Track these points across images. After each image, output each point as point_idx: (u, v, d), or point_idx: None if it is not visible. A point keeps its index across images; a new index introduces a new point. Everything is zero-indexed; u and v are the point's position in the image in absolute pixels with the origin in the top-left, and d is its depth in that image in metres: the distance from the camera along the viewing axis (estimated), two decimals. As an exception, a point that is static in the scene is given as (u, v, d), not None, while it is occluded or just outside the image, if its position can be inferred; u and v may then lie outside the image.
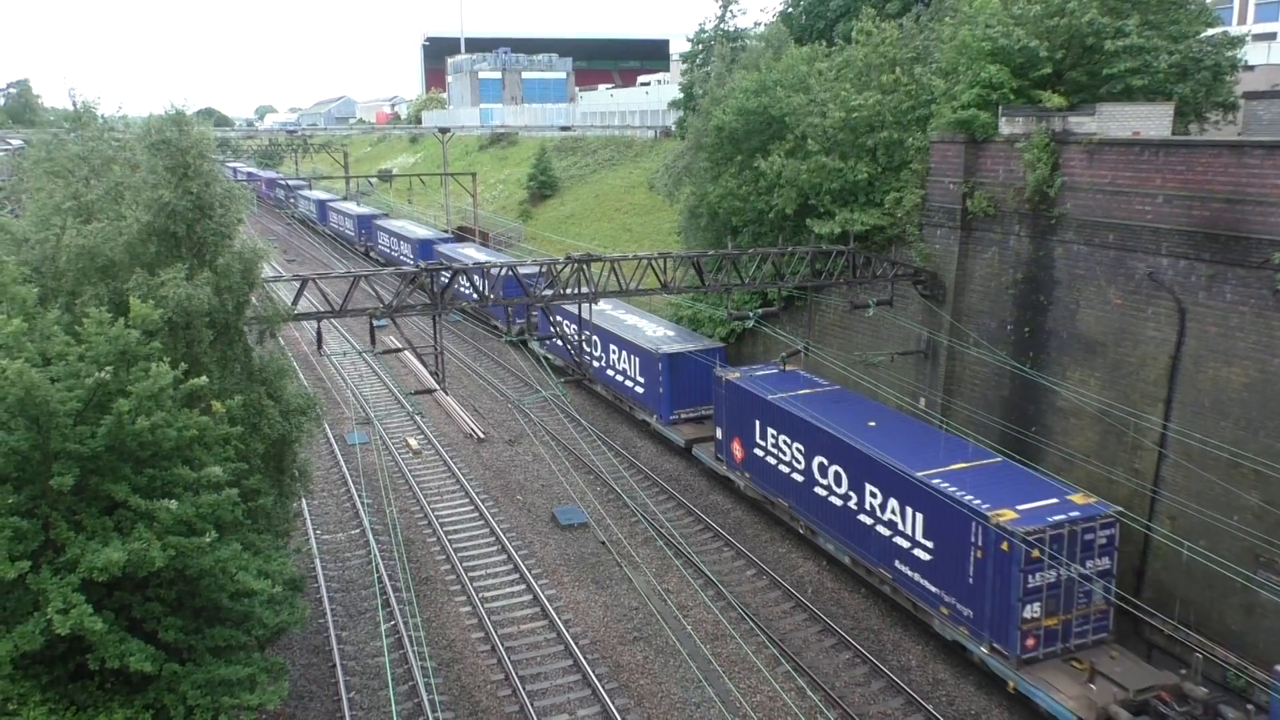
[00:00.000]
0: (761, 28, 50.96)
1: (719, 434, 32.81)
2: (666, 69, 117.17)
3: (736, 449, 31.55)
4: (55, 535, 14.35)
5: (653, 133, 74.07)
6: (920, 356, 30.84)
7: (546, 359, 42.22)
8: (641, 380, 38.02)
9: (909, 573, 23.85)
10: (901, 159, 31.37)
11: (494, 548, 29.92)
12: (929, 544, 22.95)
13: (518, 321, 44.05)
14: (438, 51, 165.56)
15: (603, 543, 30.13)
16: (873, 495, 24.77)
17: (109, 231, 17.69)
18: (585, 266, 27.95)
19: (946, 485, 22.36)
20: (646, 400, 37.98)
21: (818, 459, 27.01)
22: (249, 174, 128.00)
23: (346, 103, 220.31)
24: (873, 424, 26.65)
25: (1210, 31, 28.41)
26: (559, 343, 37.20)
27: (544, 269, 28.54)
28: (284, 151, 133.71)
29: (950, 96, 29.06)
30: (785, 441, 28.68)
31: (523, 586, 27.48)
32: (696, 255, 30.33)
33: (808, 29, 48.09)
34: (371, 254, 77.86)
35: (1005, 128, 27.58)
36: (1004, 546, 20.45)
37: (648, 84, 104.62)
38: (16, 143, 58.53)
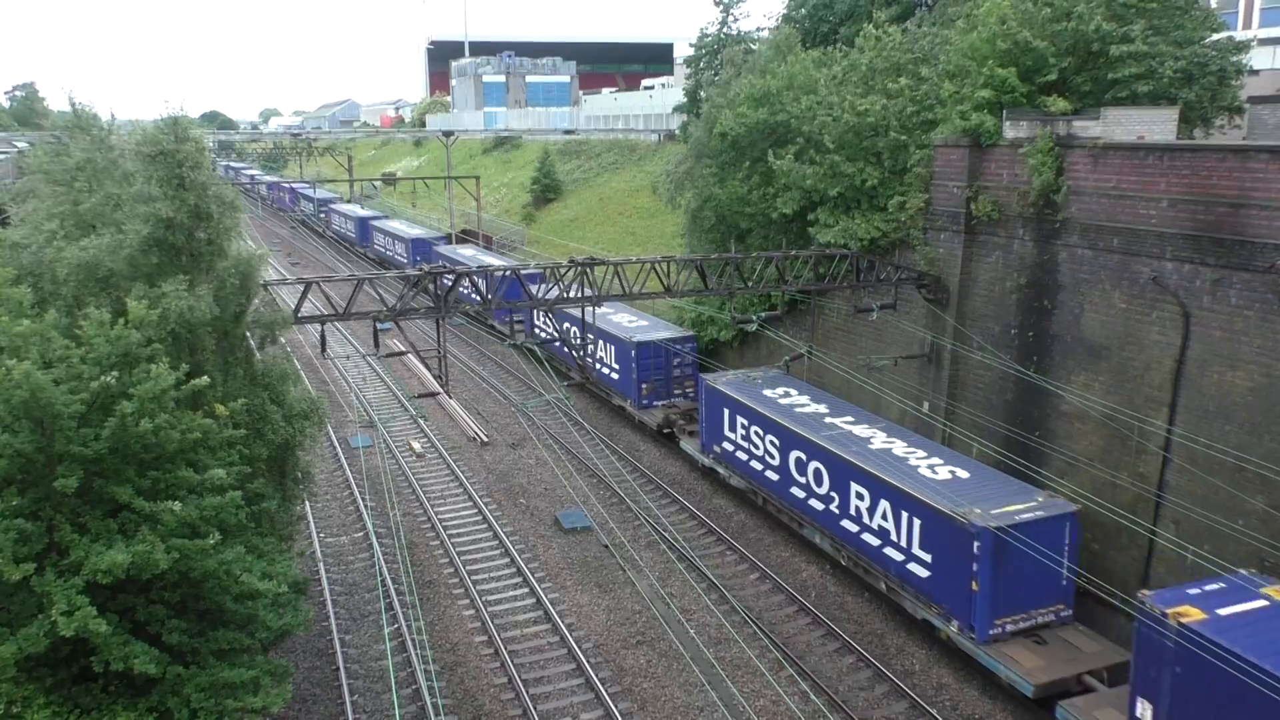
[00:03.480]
0: (765, 32, 51.02)
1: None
2: (670, 73, 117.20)
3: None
4: (59, 538, 14.37)
5: (656, 136, 74.11)
6: (924, 360, 30.80)
7: (549, 362, 42.33)
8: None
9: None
10: (905, 163, 31.34)
11: (497, 551, 29.91)
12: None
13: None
14: (442, 55, 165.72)
15: (606, 546, 30.11)
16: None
17: (110, 244, 17.74)
18: (588, 270, 27.96)
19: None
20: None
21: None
22: (272, 184, 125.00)
23: (351, 106, 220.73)
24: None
25: (1215, 36, 28.37)
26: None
27: (547, 272, 28.54)
28: (288, 154, 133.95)
29: (958, 99, 29.03)
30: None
31: (526, 590, 27.47)
32: (700, 259, 30.32)
33: (811, 33, 48.11)
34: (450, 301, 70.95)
35: (1009, 132, 27.56)
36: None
37: (651, 88, 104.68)
38: (22, 145, 58.66)
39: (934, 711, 21.84)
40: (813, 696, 22.14)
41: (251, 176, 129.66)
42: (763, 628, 25.08)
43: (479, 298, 27.94)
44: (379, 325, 26.49)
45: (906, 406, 30.76)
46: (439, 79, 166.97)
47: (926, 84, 32.04)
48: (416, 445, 38.94)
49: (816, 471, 27.36)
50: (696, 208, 39.19)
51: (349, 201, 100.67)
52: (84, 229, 18.81)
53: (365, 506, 32.72)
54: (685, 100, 59.04)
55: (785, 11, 51.18)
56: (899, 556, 24.45)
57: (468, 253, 61.46)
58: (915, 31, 36.21)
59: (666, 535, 30.05)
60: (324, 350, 26.79)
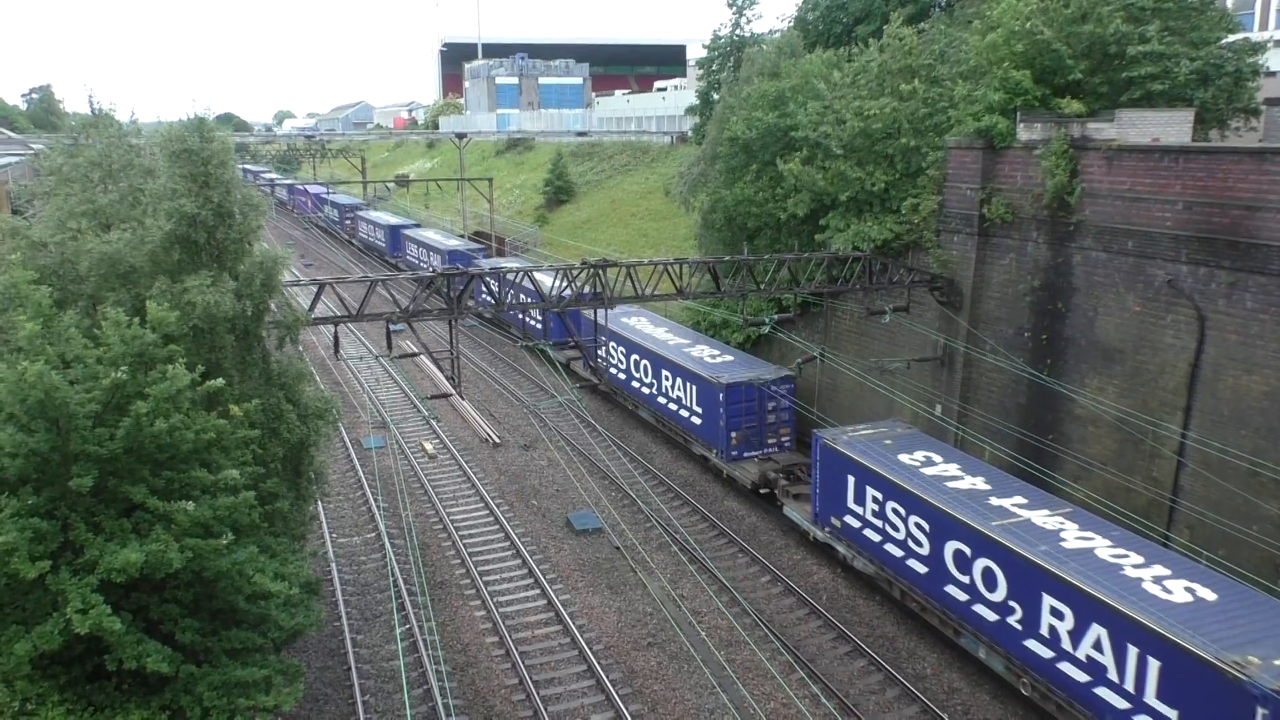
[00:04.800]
0: (777, 35, 50.96)
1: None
2: (683, 74, 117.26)
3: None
4: (74, 536, 14.46)
5: (669, 138, 74.14)
6: (937, 363, 30.72)
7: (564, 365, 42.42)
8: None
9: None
10: (918, 165, 31.27)
11: (509, 552, 29.95)
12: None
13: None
14: (455, 57, 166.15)
15: (617, 548, 30.12)
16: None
17: (132, 240, 17.88)
18: (601, 272, 27.98)
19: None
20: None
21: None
22: (291, 186, 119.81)
23: (364, 108, 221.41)
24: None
25: (1232, 37, 28.22)
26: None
27: (560, 274, 28.58)
28: (302, 156, 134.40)
29: (971, 101, 28.95)
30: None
31: (537, 591, 27.50)
32: (713, 261, 30.31)
33: (824, 34, 48.04)
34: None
35: (1023, 134, 27.47)
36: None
37: (664, 90, 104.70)
38: (38, 147, 59.09)
39: (945, 716, 21.75)
40: (824, 700, 22.09)
41: (271, 181, 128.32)
42: (774, 630, 25.03)
43: (492, 300, 27.97)
44: (392, 326, 26.56)
45: (919, 409, 30.68)
46: (452, 81, 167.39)
47: (939, 86, 31.97)
48: (429, 446, 39.03)
49: (987, 572, 21.54)
50: (709, 210, 39.21)
51: (375, 206, 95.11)
52: (103, 226, 18.94)
53: (378, 507, 32.80)
54: (698, 102, 59.04)
55: (798, 13, 51.11)
56: (1123, 705, 18.31)
57: (543, 279, 56.74)
58: (930, 32, 36.13)
59: (677, 537, 30.03)
60: (337, 351, 26.89)
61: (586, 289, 28.14)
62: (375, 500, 33.38)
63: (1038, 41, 27.28)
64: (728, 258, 31.46)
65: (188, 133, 18.77)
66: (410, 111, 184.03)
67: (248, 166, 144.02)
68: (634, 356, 39.09)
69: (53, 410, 14.24)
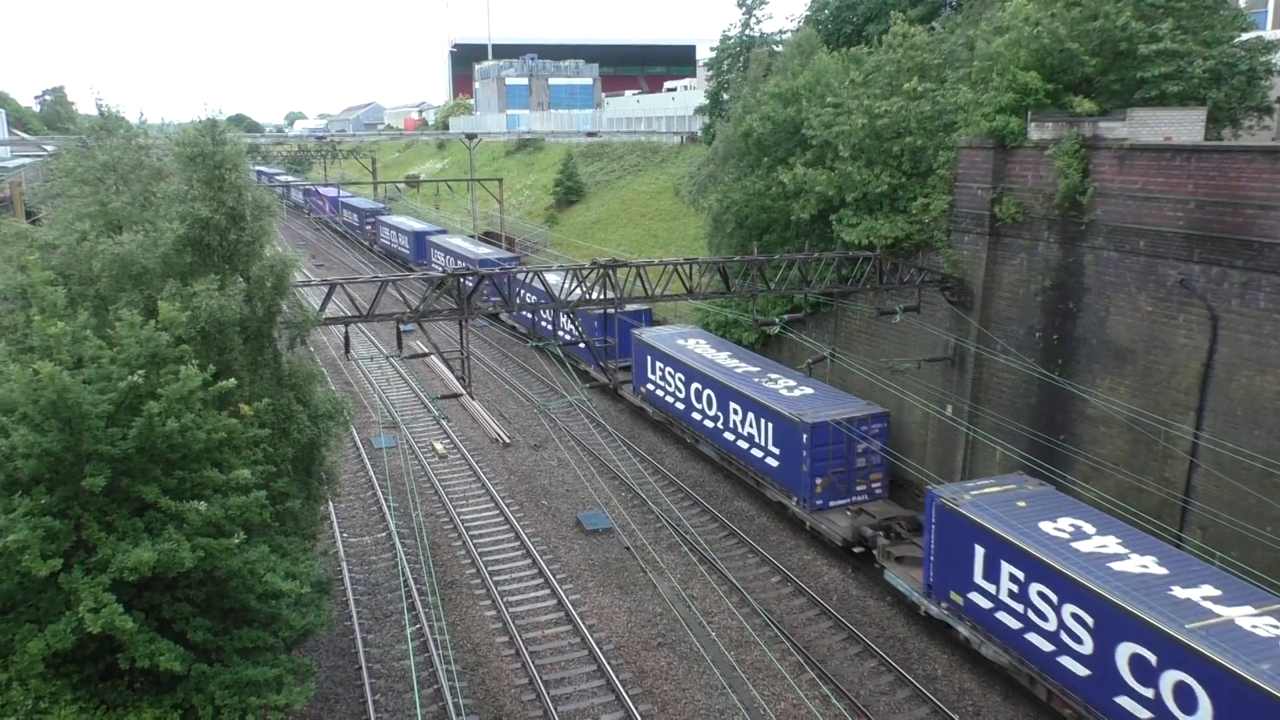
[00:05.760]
0: (787, 34, 50.94)
1: None
2: (693, 75, 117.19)
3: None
4: (87, 535, 14.54)
5: (679, 138, 74.16)
6: (947, 363, 30.63)
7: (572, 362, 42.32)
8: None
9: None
10: (928, 165, 31.21)
11: (519, 552, 29.99)
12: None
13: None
14: (465, 58, 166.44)
15: (627, 548, 30.12)
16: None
17: (145, 242, 17.97)
18: (611, 272, 28.00)
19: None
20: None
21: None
22: (307, 190, 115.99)
23: (375, 109, 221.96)
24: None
25: (1245, 36, 28.08)
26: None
27: (570, 274, 28.61)
28: (313, 157, 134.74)
29: (979, 105, 28.88)
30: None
31: (547, 591, 27.53)
32: (722, 261, 30.28)
33: (835, 34, 48.00)
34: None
35: (1035, 133, 27.37)
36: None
37: (674, 90, 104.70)
38: (51, 148, 59.43)
39: (956, 717, 21.70)
40: (834, 700, 22.05)
41: (286, 184, 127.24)
42: (784, 631, 25.00)
43: (503, 299, 28.00)
44: (402, 327, 26.62)
45: (930, 409, 30.60)
46: (462, 82, 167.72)
47: (946, 86, 31.89)
48: (439, 446, 39.11)
49: (1182, 689, 17.05)
50: (719, 210, 39.20)
51: (392, 209, 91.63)
52: (113, 228, 19.04)
53: (388, 507, 32.89)
54: (707, 102, 59.06)
55: (808, 13, 51.08)
56: None
57: (553, 279, 53.57)
58: (940, 32, 36.06)
59: (687, 537, 30.02)
60: (348, 352, 26.95)
61: (596, 290, 28.18)
62: (386, 500, 33.47)
63: (1047, 41, 27.16)
64: (738, 258, 31.42)
65: (200, 135, 18.86)
66: (421, 112, 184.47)
67: (261, 169, 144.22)
68: (694, 385, 35.00)
69: (65, 410, 14.32)
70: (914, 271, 30.80)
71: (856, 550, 27.65)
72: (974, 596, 22.26)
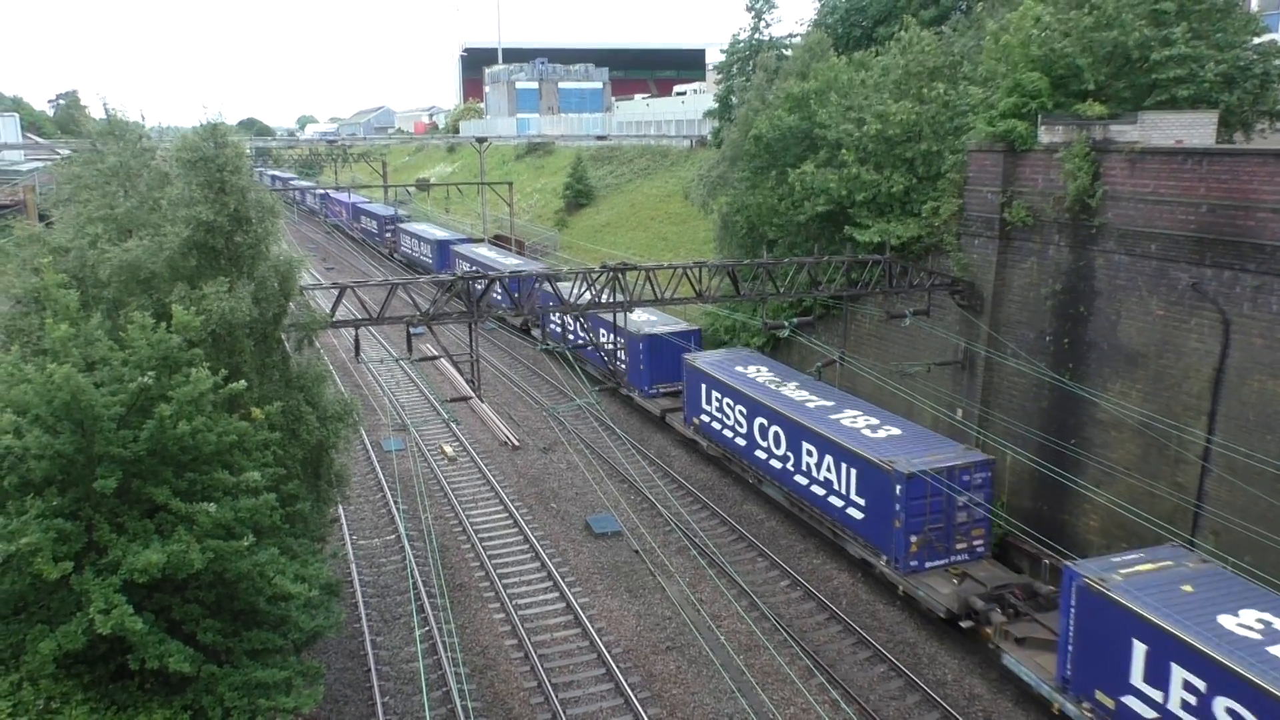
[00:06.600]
0: (797, 39, 50.94)
1: None
2: (702, 79, 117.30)
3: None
4: (98, 537, 14.61)
5: (688, 142, 74.18)
6: (957, 367, 30.55)
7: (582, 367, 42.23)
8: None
9: None
10: (938, 169, 31.15)
11: (528, 555, 29.99)
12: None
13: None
14: (475, 62, 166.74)
15: (636, 551, 30.10)
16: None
17: (151, 247, 18.06)
18: (621, 275, 28.01)
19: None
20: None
21: None
22: (323, 194, 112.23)
23: (385, 113, 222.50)
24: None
25: (1258, 40, 27.94)
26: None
27: (579, 278, 28.62)
28: (324, 161, 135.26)
29: (987, 105, 28.82)
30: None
31: (556, 594, 27.52)
32: (732, 264, 30.26)
33: (844, 37, 47.98)
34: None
35: (1045, 136, 27.30)
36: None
37: (683, 93, 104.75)
38: (65, 152, 59.78)
39: (966, 722, 21.59)
40: (843, 705, 21.98)
41: (302, 191, 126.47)
42: (793, 635, 24.94)
43: (512, 303, 28.01)
44: (412, 330, 26.67)
45: (940, 413, 30.51)
46: (472, 86, 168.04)
47: (958, 88, 31.83)
48: (448, 449, 39.16)
49: None
50: (728, 213, 39.17)
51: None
52: (121, 233, 19.14)
53: (397, 509, 32.93)
54: (717, 106, 59.09)
55: (816, 17, 51.06)
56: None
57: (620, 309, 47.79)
58: (950, 35, 36.01)
59: (697, 541, 29.99)
60: (358, 354, 27.03)
61: (605, 293, 28.18)
62: (395, 502, 33.52)
63: (1055, 50, 27.10)
64: (747, 261, 31.39)
65: (202, 140, 18.95)
66: (431, 116, 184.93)
67: (275, 173, 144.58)
68: (759, 419, 31.50)
69: (78, 412, 14.39)
70: (924, 275, 30.74)
71: (964, 625, 23.73)
72: (1131, 702, 18.33)
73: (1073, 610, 19.61)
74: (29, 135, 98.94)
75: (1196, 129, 25.36)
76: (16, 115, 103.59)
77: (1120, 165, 25.00)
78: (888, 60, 35.05)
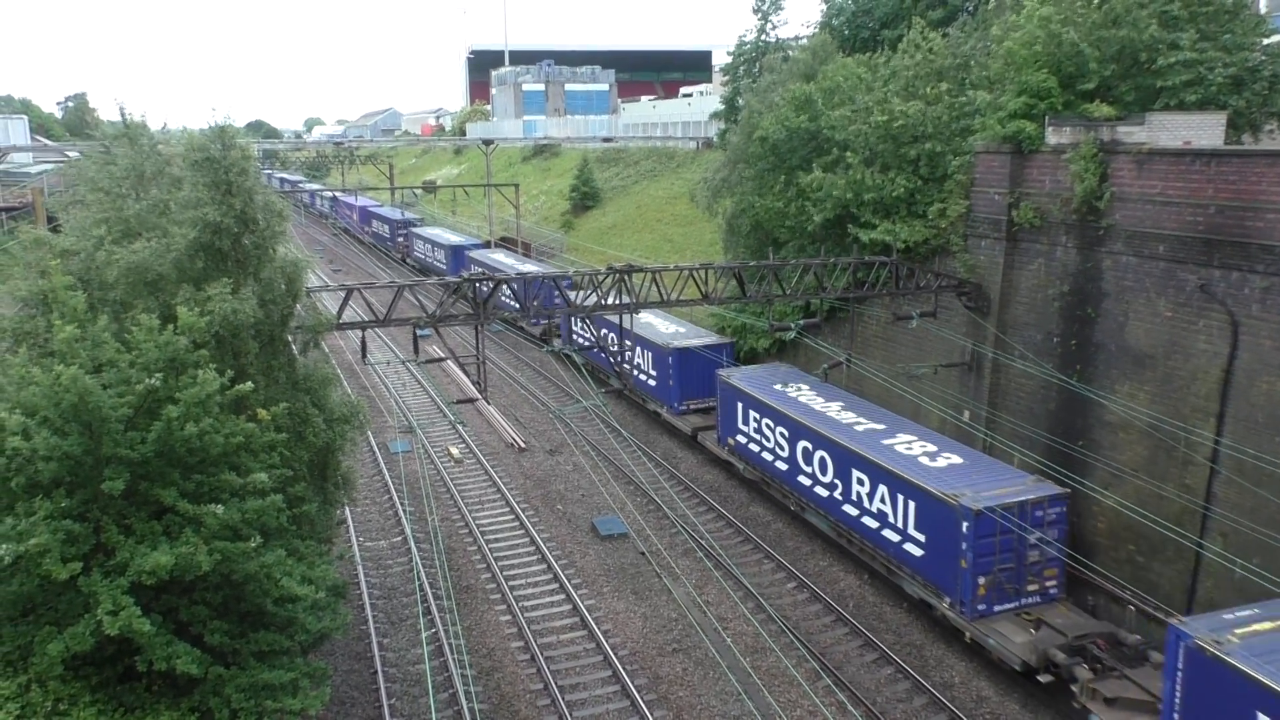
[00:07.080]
0: (803, 40, 50.91)
1: None
2: (709, 80, 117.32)
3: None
4: (106, 539, 14.64)
5: (695, 144, 74.21)
6: (964, 369, 30.48)
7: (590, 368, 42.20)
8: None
9: None
10: (944, 170, 31.10)
11: (534, 557, 30.00)
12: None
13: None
14: (482, 64, 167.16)
15: (642, 553, 30.09)
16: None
17: (158, 249, 18.10)
18: (627, 277, 28.01)
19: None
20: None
21: None
22: (333, 196, 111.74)
23: (392, 115, 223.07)
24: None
25: (1267, 41, 27.85)
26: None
27: (585, 279, 28.63)
28: (331, 163, 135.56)
29: (995, 107, 28.77)
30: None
31: (562, 596, 27.52)
32: (738, 266, 30.25)
33: (850, 39, 47.93)
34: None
35: (1052, 138, 27.23)
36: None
37: (690, 95, 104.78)
38: (74, 154, 60.00)
39: (974, 724, 21.51)
40: (850, 707, 21.95)
41: (311, 193, 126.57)
42: (800, 637, 24.91)
43: (518, 305, 28.05)
44: (419, 331, 26.69)
45: (946, 415, 30.45)
46: (479, 88, 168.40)
47: (965, 89, 31.79)
48: (455, 451, 39.20)
49: None
50: (734, 215, 39.11)
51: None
52: (130, 235, 19.20)
53: (404, 511, 32.98)
54: (723, 107, 59.08)
55: (823, 19, 51.03)
56: None
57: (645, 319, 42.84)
58: (958, 36, 35.96)
59: (703, 543, 29.96)
60: (364, 356, 27.07)
61: (612, 295, 28.18)
62: (402, 504, 33.57)
63: (1062, 44, 27.02)
64: (753, 263, 31.38)
65: (209, 141, 19.01)
66: (438, 118, 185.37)
67: (284, 175, 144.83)
68: (802, 443, 29.52)
69: (86, 414, 14.43)
70: (930, 276, 30.68)
71: (1041, 679, 21.76)
72: None
73: (1179, 674, 17.26)
74: (37, 137, 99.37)
75: (1205, 130, 25.29)
76: (25, 117, 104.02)
77: (1128, 166, 24.93)
78: (897, 63, 35.01)
